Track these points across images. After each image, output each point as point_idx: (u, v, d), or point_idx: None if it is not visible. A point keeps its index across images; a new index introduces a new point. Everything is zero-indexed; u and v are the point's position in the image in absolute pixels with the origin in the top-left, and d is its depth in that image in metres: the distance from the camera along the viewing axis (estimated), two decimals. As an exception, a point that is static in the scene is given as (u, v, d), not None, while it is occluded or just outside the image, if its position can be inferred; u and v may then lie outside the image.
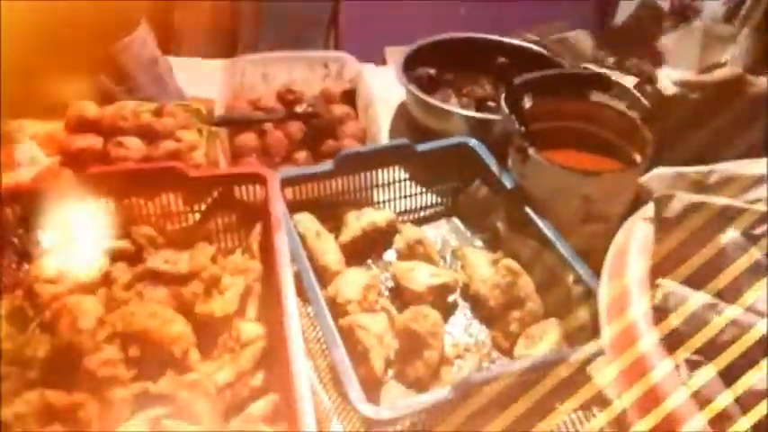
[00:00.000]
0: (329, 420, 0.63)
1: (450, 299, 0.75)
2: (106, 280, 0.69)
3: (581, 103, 0.85)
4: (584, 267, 0.67)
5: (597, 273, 0.55)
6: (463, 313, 0.74)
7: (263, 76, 0.99)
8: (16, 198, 0.71)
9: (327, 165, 0.79)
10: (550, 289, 0.70)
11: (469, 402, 0.57)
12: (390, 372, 0.67)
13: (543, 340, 0.65)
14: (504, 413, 0.63)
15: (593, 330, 0.63)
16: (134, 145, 0.84)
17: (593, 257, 0.62)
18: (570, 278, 0.68)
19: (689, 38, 0.91)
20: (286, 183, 0.77)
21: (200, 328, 0.65)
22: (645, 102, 0.78)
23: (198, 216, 0.76)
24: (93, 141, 0.83)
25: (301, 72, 1.00)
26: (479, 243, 0.82)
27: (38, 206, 0.72)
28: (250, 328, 0.65)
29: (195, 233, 0.76)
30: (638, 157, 0.78)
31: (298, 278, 0.66)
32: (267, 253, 0.69)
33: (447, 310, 0.74)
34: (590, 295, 0.65)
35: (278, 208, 0.69)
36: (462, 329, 0.73)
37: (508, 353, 0.69)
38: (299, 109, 0.89)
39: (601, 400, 0.66)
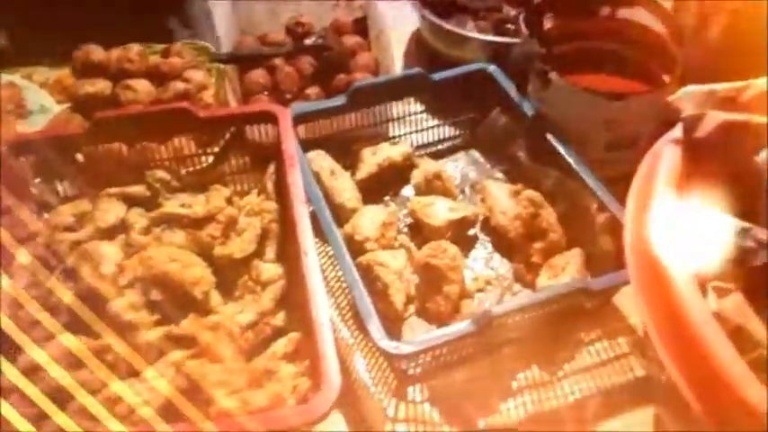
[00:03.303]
0: (352, 355, 0.64)
1: (471, 232, 0.74)
2: (123, 225, 0.69)
3: (605, 20, 0.80)
4: (608, 195, 0.64)
5: (623, 201, 0.53)
6: (484, 246, 0.73)
7: (270, 10, 0.95)
8: (31, 148, 0.71)
9: (340, 99, 0.76)
10: (574, 218, 0.68)
11: (491, 334, 0.57)
12: (411, 308, 0.66)
13: (566, 271, 0.64)
14: (526, 344, 0.63)
15: (617, 259, 0.61)
16: (142, 87, 0.82)
17: (620, 185, 0.60)
18: (594, 206, 0.65)
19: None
20: (298, 120, 0.75)
21: (220, 270, 0.65)
22: (672, 15, 0.73)
23: (211, 158, 0.75)
24: (101, 86, 0.81)
25: (310, 4, 0.96)
26: (500, 175, 0.80)
27: (52, 154, 0.71)
28: (269, 268, 0.65)
29: (209, 175, 0.75)
30: (666, 78, 0.74)
31: (314, 217, 0.65)
32: (283, 192, 0.67)
33: (467, 244, 0.73)
34: (615, 223, 0.63)
35: (291, 146, 0.67)
36: (483, 263, 0.71)
37: (531, 285, 0.68)
38: (308, 41, 0.86)
39: (627, 330, 0.65)
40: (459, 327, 0.55)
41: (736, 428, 0.36)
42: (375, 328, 0.54)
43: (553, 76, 0.70)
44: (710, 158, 0.44)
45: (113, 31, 0.86)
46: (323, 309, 0.52)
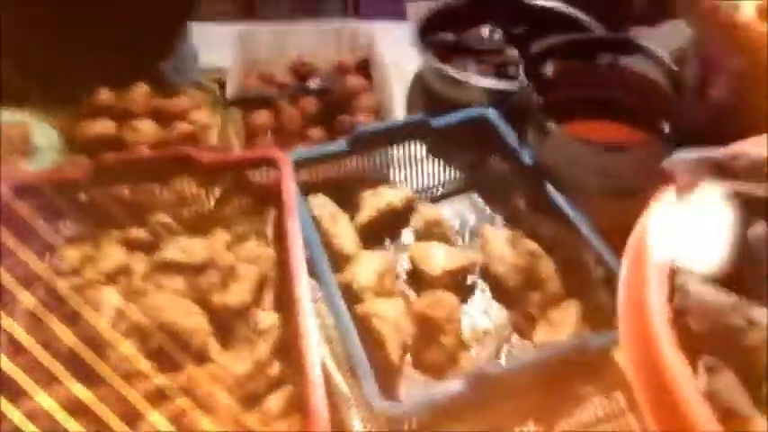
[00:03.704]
0: (347, 407, 0.64)
1: (470, 280, 0.74)
2: (124, 270, 0.70)
3: (605, 68, 0.81)
4: (606, 248, 0.64)
5: (622, 253, 0.53)
6: (483, 294, 0.73)
7: (276, 48, 0.97)
8: (34, 189, 0.72)
9: (341, 144, 0.77)
10: (571, 270, 0.68)
11: (486, 393, 0.57)
12: (408, 357, 0.66)
13: (564, 325, 0.64)
14: (522, 399, 0.62)
15: (615, 313, 0.61)
16: (147, 128, 0.83)
17: (620, 235, 0.60)
18: (592, 259, 0.65)
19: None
20: (300, 164, 0.76)
21: (218, 319, 0.65)
22: (672, 65, 0.73)
23: (213, 201, 0.76)
24: (106, 127, 0.83)
25: (314, 43, 0.97)
26: (499, 220, 0.80)
27: (56, 196, 0.72)
28: (266, 317, 0.65)
29: (211, 219, 0.75)
30: (665, 126, 0.74)
31: (313, 263, 0.65)
32: (281, 239, 0.68)
33: (465, 292, 0.73)
34: (612, 277, 0.63)
35: (291, 193, 0.68)
36: (481, 312, 0.71)
37: (528, 336, 0.67)
38: (311, 84, 0.87)
39: (624, 384, 0.64)
40: (454, 386, 0.55)
41: None
42: (369, 386, 0.54)
43: (551, 126, 0.70)
44: (702, 228, 0.44)
45: (106, 76, 0.88)
46: (316, 367, 0.52)
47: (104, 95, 0.85)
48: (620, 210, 0.71)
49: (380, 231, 0.78)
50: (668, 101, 0.74)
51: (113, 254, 0.70)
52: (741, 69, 0.64)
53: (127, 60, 0.90)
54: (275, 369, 0.62)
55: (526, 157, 0.75)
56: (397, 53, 0.98)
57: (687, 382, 0.39)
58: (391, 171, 0.82)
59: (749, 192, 0.44)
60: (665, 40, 0.80)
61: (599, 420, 0.63)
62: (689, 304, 0.41)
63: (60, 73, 0.87)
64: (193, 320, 0.62)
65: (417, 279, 0.73)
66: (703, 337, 0.40)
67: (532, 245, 0.68)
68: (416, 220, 0.77)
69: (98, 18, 0.89)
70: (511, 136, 0.78)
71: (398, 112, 0.99)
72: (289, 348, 0.63)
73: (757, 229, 0.42)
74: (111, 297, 0.65)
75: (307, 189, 0.76)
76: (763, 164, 0.47)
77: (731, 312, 0.40)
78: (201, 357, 0.62)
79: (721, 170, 0.48)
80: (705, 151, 0.49)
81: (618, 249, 0.60)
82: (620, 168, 0.70)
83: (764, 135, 0.51)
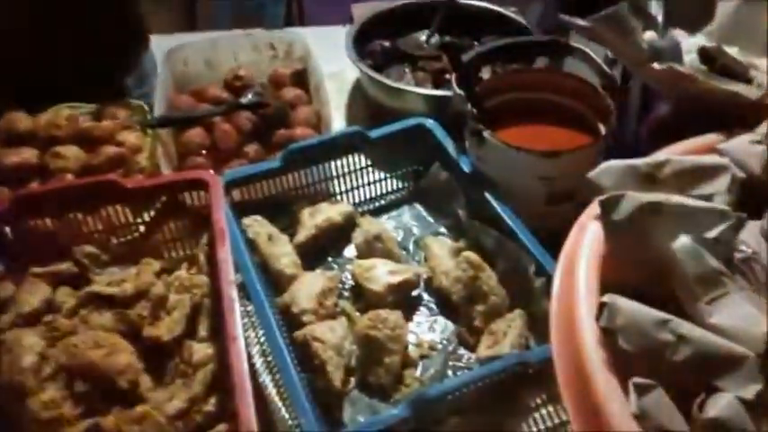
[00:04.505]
0: (292, 436, 0.62)
1: (415, 293, 0.73)
2: (50, 307, 0.66)
3: (541, 72, 0.80)
4: (546, 257, 0.63)
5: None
6: (428, 308, 0.72)
7: (207, 62, 0.94)
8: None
9: (275, 161, 0.74)
10: (513, 279, 0.67)
11: (429, 414, 0.55)
12: (353, 380, 0.65)
13: (507, 336, 0.63)
14: (469, 416, 0.61)
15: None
16: (72, 154, 0.79)
17: (564, 236, 0.58)
18: (532, 268, 0.64)
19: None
20: (233, 184, 0.73)
21: (150, 352, 0.62)
22: (606, 68, 0.73)
23: (143, 227, 0.73)
24: (27, 155, 0.78)
25: (247, 55, 0.94)
26: (443, 230, 0.79)
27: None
28: (200, 349, 0.62)
29: (142, 245, 0.72)
30: (602, 128, 0.74)
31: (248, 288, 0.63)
32: (215, 265, 0.65)
33: (411, 306, 0.71)
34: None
35: (221, 216, 0.65)
36: (427, 326, 0.70)
37: (474, 349, 0.66)
38: (244, 100, 0.84)
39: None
40: (396, 412, 0.53)
41: None
42: (305, 417, 0.52)
43: (486, 134, 0.69)
44: (628, 241, 0.43)
45: (69, 92, 0.85)
46: (249, 405, 0.50)
47: (24, 122, 0.80)
48: (563, 211, 0.71)
49: (322, 248, 0.76)
50: (604, 104, 0.74)
51: (36, 291, 0.66)
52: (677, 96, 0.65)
53: (90, 76, 0.87)
54: (211, 404, 0.59)
55: (465, 166, 0.74)
56: (338, 62, 0.96)
57: (617, 405, 0.38)
58: (330, 185, 0.79)
59: (674, 202, 0.43)
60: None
61: (548, 430, 0.62)
62: (617, 322, 0.40)
63: (21, 91, 0.83)
64: (121, 359, 0.59)
65: (361, 296, 0.71)
66: (633, 356, 0.39)
67: (474, 256, 0.67)
68: (358, 236, 0.75)
69: (60, 34, 0.86)
70: (450, 144, 0.76)
71: (339, 122, 0.97)
72: (224, 381, 0.60)
73: (681, 241, 0.41)
74: (31, 341, 0.61)
75: (242, 209, 0.73)
76: (689, 171, 0.46)
77: (660, 328, 0.39)
78: (133, 396, 0.59)
79: (648, 179, 0.47)
80: (631, 161, 0.48)
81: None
82: (557, 173, 0.69)
83: (687, 142, 0.50)
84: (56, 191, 0.70)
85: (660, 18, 0.75)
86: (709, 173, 0.45)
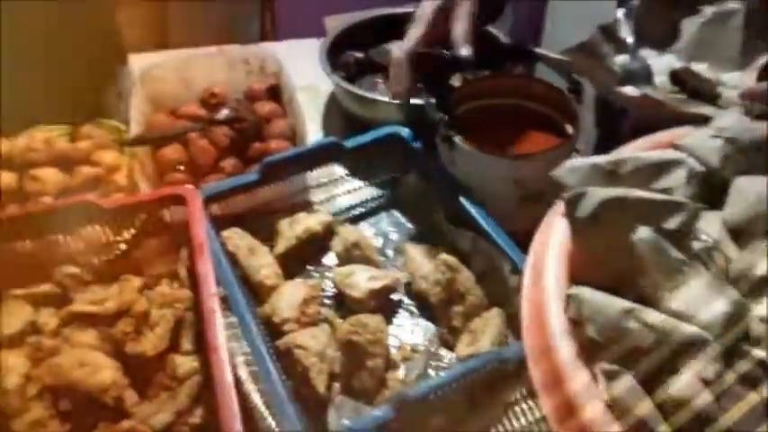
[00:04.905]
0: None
1: (396, 297, 0.74)
2: (32, 328, 0.66)
3: (510, 77, 0.83)
4: (520, 256, 0.65)
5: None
6: (409, 312, 0.73)
7: (183, 81, 0.95)
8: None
9: (252, 175, 0.75)
10: (490, 279, 0.69)
11: (412, 413, 0.56)
12: (337, 386, 0.66)
13: (485, 335, 0.64)
14: (450, 413, 0.62)
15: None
16: (49, 177, 0.79)
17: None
18: (507, 268, 0.66)
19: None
20: (211, 199, 0.74)
21: (134, 368, 0.63)
22: (573, 75, 0.76)
23: (124, 246, 0.73)
24: (5, 180, 0.78)
25: (222, 72, 0.96)
26: (421, 235, 0.80)
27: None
28: (185, 362, 0.63)
29: (123, 264, 0.73)
30: (569, 129, 0.76)
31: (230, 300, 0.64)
32: (196, 279, 0.66)
33: (391, 311, 0.73)
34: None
35: (200, 230, 0.66)
36: (408, 329, 0.71)
37: (454, 349, 0.68)
38: (219, 116, 0.85)
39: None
40: (377, 413, 0.54)
41: None
42: (289, 422, 0.53)
43: (457, 140, 0.71)
44: (592, 235, 0.45)
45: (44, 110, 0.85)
46: (234, 415, 0.51)
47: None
48: (536, 212, 0.73)
49: (302, 258, 0.77)
50: (571, 106, 0.76)
51: (18, 313, 0.66)
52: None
53: (71, 90, 0.87)
54: (197, 416, 0.60)
55: (439, 172, 0.75)
56: (313, 74, 0.97)
57: (588, 393, 0.40)
58: (309, 196, 0.81)
59: (634, 196, 0.45)
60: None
61: (530, 424, 0.63)
62: (584, 313, 0.41)
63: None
64: (105, 376, 0.60)
65: (343, 303, 0.72)
66: (601, 344, 0.41)
67: (451, 259, 0.69)
68: (337, 244, 0.76)
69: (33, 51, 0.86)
70: (424, 151, 0.78)
71: (316, 134, 0.98)
72: (210, 393, 0.61)
73: (641, 233, 0.43)
74: (15, 363, 0.62)
75: (221, 223, 0.74)
76: (648, 166, 0.48)
77: (625, 317, 0.41)
78: (119, 412, 0.60)
79: (610, 175, 0.49)
80: (593, 158, 0.50)
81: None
82: (528, 174, 0.71)
83: (647, 138, 0.53)
84: (34, 213, 0.71)
85: (630, 40, 0.79)
86: (667, 167, 0.48)
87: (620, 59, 0.78)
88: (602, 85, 0.75)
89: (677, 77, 0.75)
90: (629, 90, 0.72)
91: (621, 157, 0.48)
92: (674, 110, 0.65)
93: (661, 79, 0.78)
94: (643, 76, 0.77)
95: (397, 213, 0.84)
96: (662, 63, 0.80)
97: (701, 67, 0.78)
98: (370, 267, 0.73)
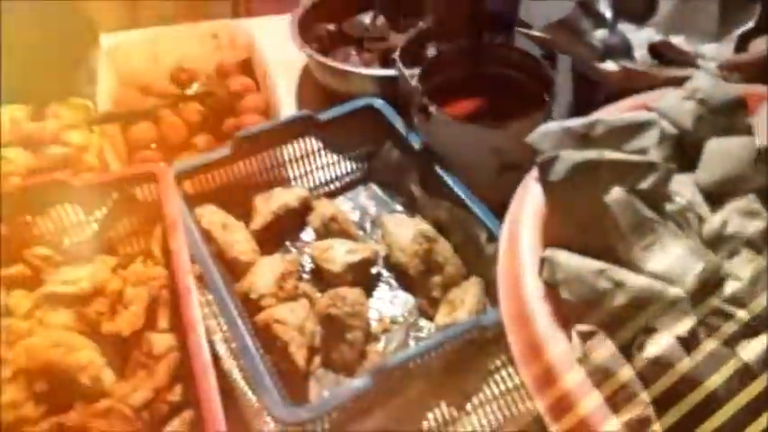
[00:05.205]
0: (261, 418, 0.62)
1: (374, 270, 0.74)
2: (5, 310, 0.65)
3: (486, 46, 0.82)
4: (497, 224, 0.65)
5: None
6: (387, 284, 0.73)
7: (152, 57, 0.92)
8: None
9: (225, 150, 0.74)
10: (468, 248, 0.69)
11: (391, 384, 0.56)
12: (318, 360, 0.65)
13: (464, 304, 0.64)
14: (431, 382, 0.63)
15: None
16: (17, 157, 0.78)
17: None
18: (484, 236, 0.66)
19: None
20: (183, 175, 0.73)
21: (111, 347, 0.62)
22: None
23: (96, 225, 0.72)
24: (-29, 160, 0.76)
25: (192, 47, 0.93)
26: (399, 207, 0.80)
27: None
28: (161, 340, 0.62)
29: (95, 243, 0.71)
30: (545, 96, 0.76)
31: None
32: (170, 257, 0.65)
33: (370, 283, 0.72)
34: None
35: (172, 207, 0.65)
36: (388, 301, 0.71)
37: (434, 319, 0.68)
38: (189, 91, 0.84)
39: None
40: (358, 383, 0.54)
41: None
42: (268, 395, 0.53)
43: (433, 109, 0.70)
44: (566, 199, 0.45)
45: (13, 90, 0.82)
46: (212, 387, 0.50)
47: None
48: (513, 181, 0.72)
49: (280, 234, 0.77)
50: (546, 73, 0.76)
51: (-11, 296, 0.65)
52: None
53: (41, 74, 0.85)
54: (176, 394, 0.59)
55: (416, 143, 0.75)
56: (287, 49, 0.96)
57: (562, 352, 0.40)
58: (284, 170, 0.80)
59: (606, 158, 0.45)
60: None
61: (509, 390, 0.64)
62: (558, 275, 0.41)
63: None
64: (81, 356, 0.59)
65: (321, 277, 0.72)
66: (575, 305, 0.41)
67: (428, 229, 0.68)
68: (314, 218, 0.75)
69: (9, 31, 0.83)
70: (399, 123, 0.77)
71: (291, 108, 0.97)
72: (187, 369, 0.60)
73: (614, 194, 0.43)
74: (-12, 344, 0.61)
75: (195, 200, 0.73)
76: (620, 128, 0.48)
77: (598, 277, 0.41)
78: (96, 392, 0.59)
79: (583, 138, 0.49)
80: (566, 122, 0.50)
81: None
82: (505, 143, 0.71)
83: (621, 102, 0.52)
84: (4, 194, 0.69)
85: (609, 15, 0.79)
86: (640, 129, 0.48)
87: (600, 34, 0.78)
88: (582, 61, 0.75)
89: (656, 50, 0.76)
90: (609, 65, 0.72)
91: (592, 120, 0.48)
92: (656, 78, 0.65)
93: (640, 53, 0.78)
94: (623, 50, 0.77)
95: (374, 186, 0.83)
96: (641, 37, 0.81)
97: (679, 40, 0.78)
98: (347, 241, 0.73)
